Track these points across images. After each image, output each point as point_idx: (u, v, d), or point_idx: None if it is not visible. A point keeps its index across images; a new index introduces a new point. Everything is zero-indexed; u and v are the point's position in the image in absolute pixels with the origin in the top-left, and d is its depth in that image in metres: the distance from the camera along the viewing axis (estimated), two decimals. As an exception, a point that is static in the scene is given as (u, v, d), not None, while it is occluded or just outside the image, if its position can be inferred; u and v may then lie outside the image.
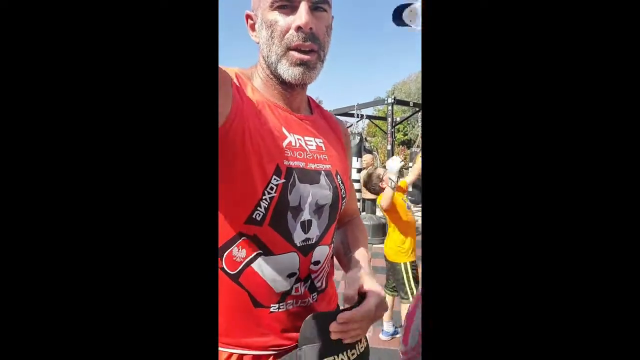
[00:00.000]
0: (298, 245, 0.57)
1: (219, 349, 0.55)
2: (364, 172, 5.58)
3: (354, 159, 5.24)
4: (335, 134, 0.68)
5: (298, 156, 0.57)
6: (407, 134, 20.21)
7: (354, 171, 5.41)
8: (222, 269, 0.55)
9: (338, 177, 0.63)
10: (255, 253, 0.55)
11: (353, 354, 0.55)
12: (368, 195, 5.53)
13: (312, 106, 0.68)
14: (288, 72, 0.54)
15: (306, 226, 0.57)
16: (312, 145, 0.60)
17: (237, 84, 0.55)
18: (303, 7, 0.52)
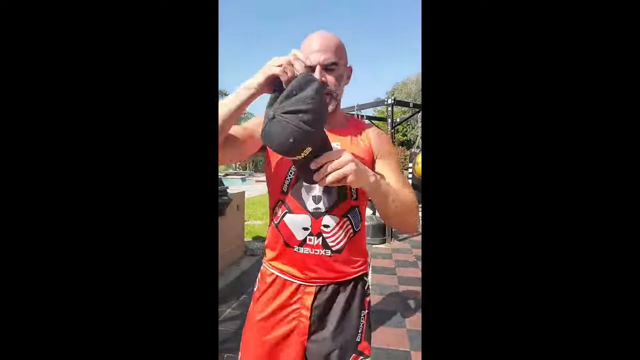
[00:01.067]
0: (310, 211, 0.89)
1: (267, 269, 0.95)
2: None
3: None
4: (364, 142, 0.96)
5: None
6: (406, 135, 20.20)
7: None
8: (272, 220, 0.94)
9: None
10: (285, 211, 0.91)
11: None
12: (368, 195, 5.49)
13: (350, 122, 1.00)
14: None
15: (317, 199, 0.90)
16: None
17: None
18: (317, 69, 0.85)
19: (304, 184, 0.86)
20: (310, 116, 0.63)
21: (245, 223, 4.22)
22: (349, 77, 0.94)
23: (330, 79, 0.85)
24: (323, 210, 0.89)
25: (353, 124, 0.98)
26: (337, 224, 0.90)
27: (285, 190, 0.90)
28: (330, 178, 0.69)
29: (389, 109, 5.33)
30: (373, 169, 0.92)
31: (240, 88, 0.79)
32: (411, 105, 5.89)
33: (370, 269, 3.74)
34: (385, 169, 0.93)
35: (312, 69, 0.84)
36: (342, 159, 0.69)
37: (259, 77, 0.76)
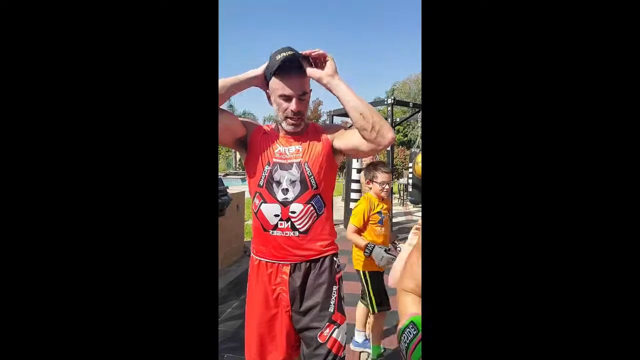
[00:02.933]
0: (280, 200, 1.13)
1: (253, 257, 1.19)
2: (364, 172, 5.58)
3: (354, 160, 5.26)
4: (317, 138, 1.21)
5: (282, 157, 1.17)
6: (407, 135, 20.21)
7: (353, 172, 5.41)
8: (253, 210, 1.19)
9: (305, 165, 1.16)
10: (261, 201, 1.16)
11: None
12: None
13: (310, 128, 1.25)
14: (286, 127, 1.17)
15: (284, 191, 1.14)
16: (292, 150, 1.18)
17: (262, 130, 1.23)
18: (294, 101, 1.12)
19: (274, 179, 1.14)
20: None
21: (245, 223, 4.22)
22: (309, 99, 1.19)
23: (302, 106, 1.13)
24: (290, 200, 1.12)
25: (312, 128, 1.23)
26: (302, 210, 1.13)
27: (261, 184, 1.15)
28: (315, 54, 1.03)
29: (389, 108, 5.33)
30: (329, 150, 1.18)
31: (247, 74, 1.09)
32: (411, 105, 5.89)
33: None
34: (337, 134, 1.19)
35: (287, 97, 1.11)
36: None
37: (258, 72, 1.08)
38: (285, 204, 1.13)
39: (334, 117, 6.10)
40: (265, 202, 1.14)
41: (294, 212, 1.13)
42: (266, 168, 1.15)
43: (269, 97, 1.18)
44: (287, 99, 1.11)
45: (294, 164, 1.16)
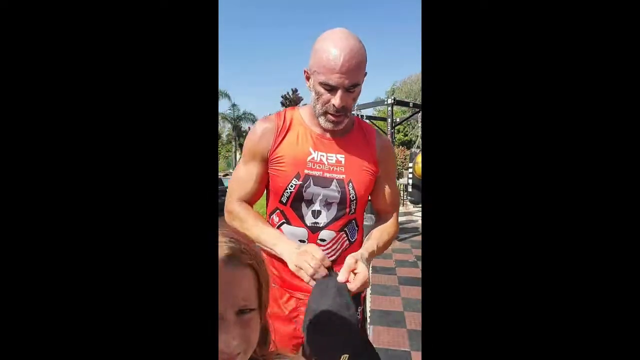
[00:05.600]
0: (308, 225, 0.88)
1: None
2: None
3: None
4: (368, 150, 0.94)
5: (317, 167, 0.88)
6: (407, 135, 20.22)
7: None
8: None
9: (350, 184, 0.89)
10: (282, 221, 0.90)
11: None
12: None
13: (355, 127, 0.96)
14: (325, 124, 0.87)
15: (316, 214, 0.88)
16: (332, 160, 0.89)
17: (280, 125, 0.90)
18: (339, 93, 0.81)
19: (305, 197, 0.87)
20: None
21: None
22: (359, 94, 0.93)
23: (348, 101, 0.84)
24: (321, 225, 0.88)
25: (358, 128, 0.96)
26: (333, 238, 0.89)
27: (284, 202, 0.88)
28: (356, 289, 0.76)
29: (389, 108, 5.33)
30: (375, 177, 0.93)
31: (274, 242, 0.84)
32: (411, 105, 5.89)
33: (370, 268, 3.74)
34: (385, 185, 0.98)
35: (331, 88, 0.81)
36: (361, 279, 0.75)
37: (287, 261, 0.81)
38: (314, 230, 0.88)
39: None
40: (288, 223, 0.89)
41: (323, 240, 0.89)
42: (293, 182, 0.86)
43: (307, 78, 0.88)
44: (331, 89, 0.81)
45: (334, 181, 0.88)
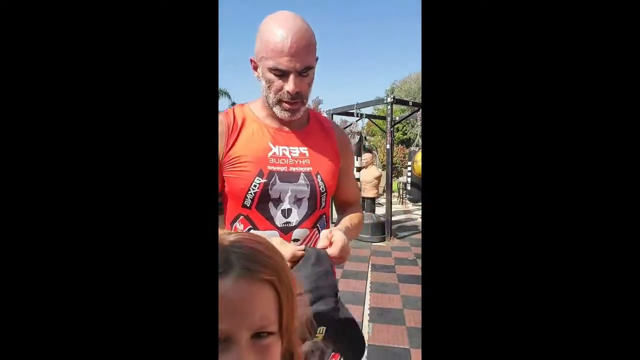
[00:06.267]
0: (279, 226, 0.81)
1: None
2: (363, 171, 5.61)
3: (354, 158, 5.27)
4: (329, 141, 0.89)
5: (281, 162, 0.81)
6: (406, 133, 20.20)
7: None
8: None
9: (318, 176, 0.85)
10: (248, 227, 0.81)
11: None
12: (367, 194, 5.55)
13: (311, 119, 0.91)
14: (280, 113, 0.80)
15: (286, 213, 0.81)
16: (295, 153, 0.83)
17: (231, 124, 0.82)
18: (291, 78, 0.76)
19: (272, 196, 0.79)
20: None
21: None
22: (312, 81, 0.86)
23: (303, 86, 0.78)
24: (293, 224, 0.81)
25: (315, 121, 0.91)
26: (307, 236, 0.83)
27: (248, 205, 0.79)
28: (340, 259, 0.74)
29: (389, 107, 5.33)
30: (338, 168, 0.90)
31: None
32: (410, 103, 5.89)
33: (370, 266, 3.75)
34: (347, 177, 0.96)
35: (282, 73, 0.76)
36: (339, 243, 0.73)
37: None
38: (286, 231, 0.81)
39: (334, 115, 6.11)
40: (255, 228, 0.80)
41: (296, 240, 0.82)
42: (257, 180, 0.79)
43: (254, 68, 0.82)
44: (282, 74, 0.76)
45: (302, 175, 0.83)
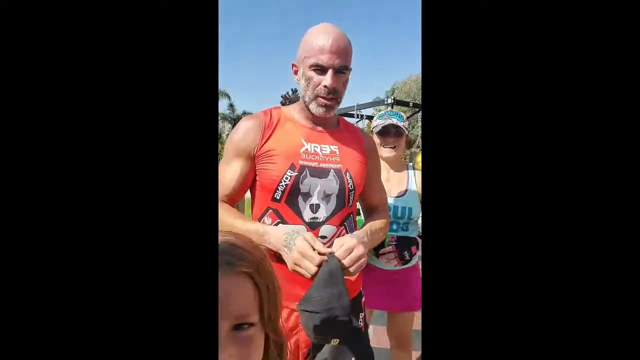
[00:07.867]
0: (307, 221, 0.83)
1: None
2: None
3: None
4: (357, 144, 0.95)
5: (312, 158, 0.86)
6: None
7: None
8: None
9: (347, 174, 0.88)
10: (276, 221, 0.83)
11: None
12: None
13: (341, 122, 0.99)
14: (316, 110, 0.87)
15: (314, 208, 0.83)
16: (326, 150, 0.88)
17: (267, 121, 0.88)
18: (330, 73, 0.83)
19: (301, 190, 0.82)
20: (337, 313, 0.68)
21: (245, 223, 4.21)
22: (347, 81, 0.94)
23: (339, 83, 0.85)
24: (321, 220, 0.83)
25: (344, 125, 0.99)
26: (335, 233, 0.85)
27: (278, 198, 0.83)
28: (355, 268, 0.74)
29: (389, 108, 5.33)
30: (366, 165, 0.94)
31: (257, 228, 0.78)
32: (411, 104, 5.89)
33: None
34: (375, 179, 0.99)
35: (322, 69, 0.83)
36: (355, 256, 0.73)
37: (285, 260, 0.74)
38: (314, 227, 0.83)
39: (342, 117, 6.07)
40: (283, 222, 0.83)
41: (324, 237, 0.83)
42: (288, 173, 0.81)
43: (295, 72, 0.90)
44: (322, 70, 0.83)
45: (332, 171, 0.86)
